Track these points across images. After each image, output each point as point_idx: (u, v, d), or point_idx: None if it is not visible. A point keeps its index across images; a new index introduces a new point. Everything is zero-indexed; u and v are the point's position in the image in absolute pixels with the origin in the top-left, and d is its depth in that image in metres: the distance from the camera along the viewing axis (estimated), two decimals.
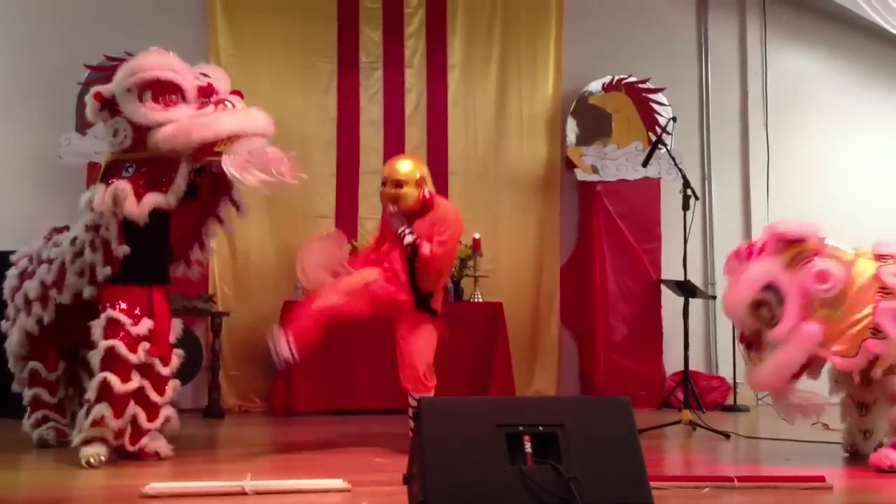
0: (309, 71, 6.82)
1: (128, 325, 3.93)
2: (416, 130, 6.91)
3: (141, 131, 3.94)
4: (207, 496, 3.23)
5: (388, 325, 4.43)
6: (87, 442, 3.84)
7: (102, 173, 4.06)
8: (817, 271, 3.89)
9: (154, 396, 4.04)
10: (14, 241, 5.12)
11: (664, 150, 5.73)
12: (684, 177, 5.42)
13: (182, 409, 5.49)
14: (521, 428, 2.48)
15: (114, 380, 3.84)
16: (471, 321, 6.26)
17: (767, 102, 7.39)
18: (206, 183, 4.10)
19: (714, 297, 6.79)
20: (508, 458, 2.42)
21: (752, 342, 4.12)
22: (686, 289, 5.59)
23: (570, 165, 6.97)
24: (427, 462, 2.40)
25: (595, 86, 7.00)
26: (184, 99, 4.01)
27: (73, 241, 4.13)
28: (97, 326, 3.93)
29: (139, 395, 3.97)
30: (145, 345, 3.97)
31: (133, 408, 3.93)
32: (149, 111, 3.92)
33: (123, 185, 3.88)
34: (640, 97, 6.97)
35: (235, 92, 4.20)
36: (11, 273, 4.57)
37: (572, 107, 6.98)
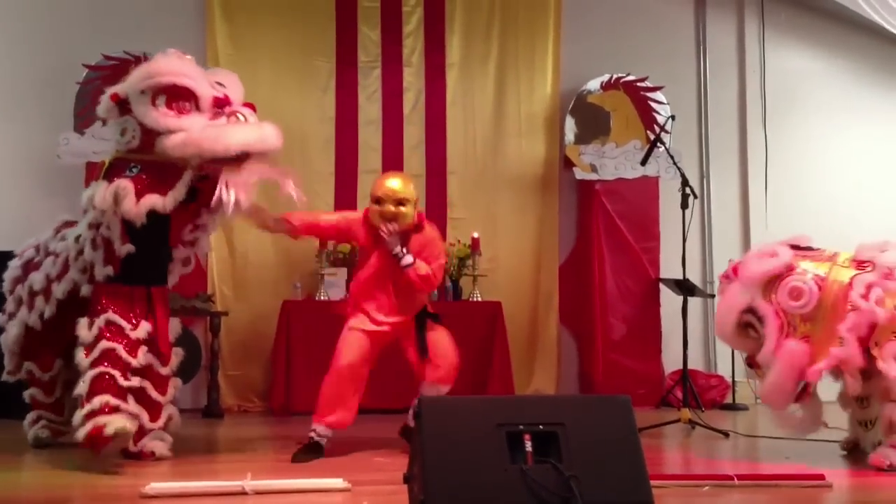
0: (307, 70, 6.82)
1: (127, 330, 3.92)
2: (414, 129, 6.91)
3: (150, 134, 3.91)
4: (207, 496, 3.23)
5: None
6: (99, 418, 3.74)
7: (105, 170, 4.02)
8: (790, 288, 3.94)
9: (156, 395, 4.05)
10: (12, 241, 5.10)
11: (663, 148, 5.73)
12: (683, 175, 5.43)
13: (181, 409, 5.48)
14: (521, 427, 2.49)
15: (114, 373, 3.82)
16: (470, 320, 6.25)
17: (766, 101, 7.39)
18: (207, 188, 4.07)
19: (713, 296, 6.79)
20: (509, 458, 2.43)
21: (752, 362, 4.17)
22: (685, 287, 5.60)
23: (568, 164, 6.97)
24: (428, 461, 2.40)
25: (593, 84, 6.99)
26: (197, 108, 3.95)
27: (77, 238, 4.12)
28: (93, 326, 3.90)
29: (141, 396, 3.97)
30: (144, 348, 3.96)
31: (136, 408, 3.93)
32: (161, 116, 3.88)
33: (125, 184, 3.85)
34: (638, 96, 6.98)
35: (249, 104, 4.14)
36: (14, 263, 4.52)
37: (571, 105, 6.98)
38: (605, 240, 6.85)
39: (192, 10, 6.70)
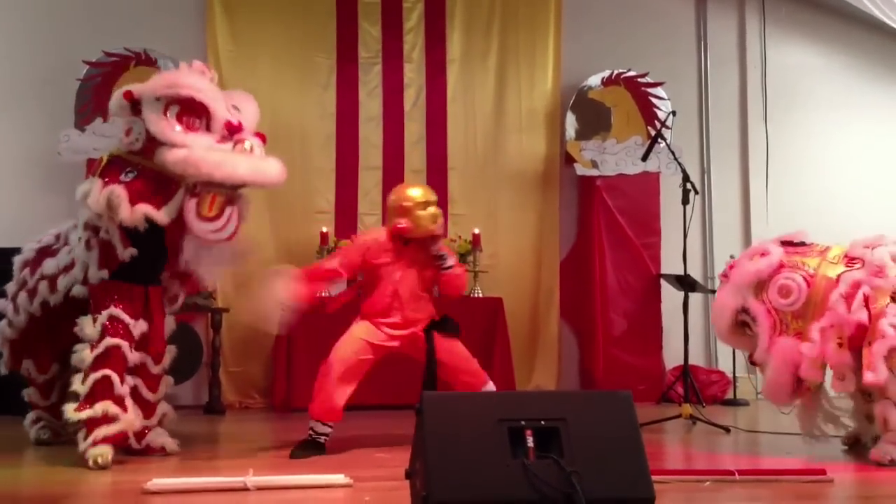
0: (308, 66, 6.82)
1: (130, 325, 3.92)
2: (415, 126, 6.91)
3: (153, 141, 3.84)
4: (209, 492, 3.24)
5: None
6: (90, 438, 3.79)
7: (102, 167, 3.97)
8: (779, 286, 3.96)
9: (146, 394, 4.05)
10: (13, 238, 5.10)
11: (663, 144, 5.73)
12: (684, 171, 5.42)
13: (183, 406, 5.53)
14: (523, 422, 2.48)
15: (115, 378, 3.82)
16: (471, 316, 6.23)
17: (767, 96, 7.39)
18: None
19: (713, 292, 6.78)
20: (511, 453, 2.43)
21: (753, 360, 4.19)
22: (686, 283, 5.60)
23: (569, 160, 6.97)
24: (429, 457, 2.40)
25: (594, 80, 6.99)
26: (208, 127, 3.88)
27: (80, 239, 4.11)
28: (97, 322, 3.88)
29: (134, 394, 3.97)
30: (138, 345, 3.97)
31: (134, 410, 3.93)
32: (167, 127, 3.81)
33: (118, 192, 3.78)
34: (639, 91, 6.97)
35: (259, 134, 4.07)
36: (30, 247, 4.46)
37: (571, 101, 6.98)
38: (606, 236, 6.86)
39: (192, 7, 6.70)
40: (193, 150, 3.76)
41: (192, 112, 3.87)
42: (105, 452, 3.73)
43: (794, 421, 4.26)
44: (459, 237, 6.65)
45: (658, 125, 6.21)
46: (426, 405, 2.51)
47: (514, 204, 6.96)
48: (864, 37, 7.53)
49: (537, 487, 2.37)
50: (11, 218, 6.01)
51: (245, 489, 3.22)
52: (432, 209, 4.32)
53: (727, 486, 3.37)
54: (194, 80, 3.94)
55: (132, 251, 3.91)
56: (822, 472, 3.47)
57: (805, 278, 3.96)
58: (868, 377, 3.73)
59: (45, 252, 4.35)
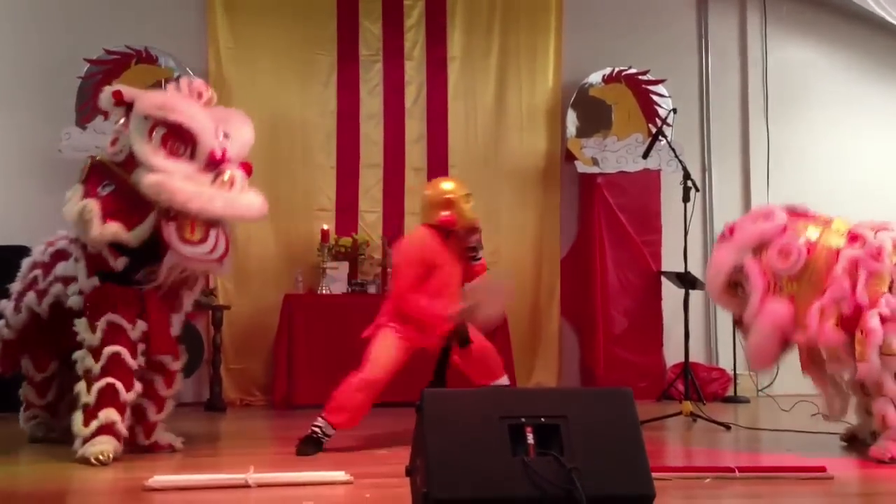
0: (309, 64, 6.82)
1: (129, 331, 3.88)
2: (415, 123, 6.91)
3: (135, 159, 3.79)
4: (211, 488, 3.24)
5: None
6: (92, 440, 3.78)
7: (87, 173, 3.92)
8: (780, 247, 3.94)
9: (163, 390, 4.08)
10: (13, 235, 5.12)
11: (664, 141, 5.73)
12: (684, 168, 5.42)
13: (184, 403, 5.53)
14: (523, 419, 2.49)
15: (119, 386, 3.80)
16: None
17: (768, 93, 7.39)
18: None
19: None
20: (511, 450, 2.43)
21: (739, 322, 4.18)
22: (686, 280, 5.60)
23: (570, 157, 6.97)
24: (430, 454, 2.40)
25: (595, 77, 6.99)
26: (192, 156, 3.82)
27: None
28: (97, 329, 3.84)
29: (148, 389, 3.98)
30: (142, 346, 3.94)
31: (141, 400, 3.95)
32: (149, 150, 3.75)
33: (91, 206, 3.74)
34: (640, 89, 6.97)
35: (245, 164, 3.98)
36: (41, 249, 4.43)
37: (572, 99, 6.98)
38: (607, 233, 6.86)
39: (193, 5, 6.70)
40: (171, 178, 3.70)
41: (178, 138, 3.81)
42: (106, 449, 3.73)
43: (795, 418, 4.28)
44: None
45: (659, 123, 6.20)
46: (426, 402, 2.52)
47: (514, 201, 6.95)
48: (865, 34, 7.52)
49: (537, 484, 2.37)
50: (12, 215, 6.01)
51: (246, 486, 3.22)
52: (472, 202, 4.39)
53: (727, 482, 3.37)
54: (186, 105, 3.88)
55: (124, 260, 3.86)
56: (823, 469, 3.47)
57: (807, 245, 3.95)
58: (862, 369, 3.73)
59: (60, 255, 4.33)
